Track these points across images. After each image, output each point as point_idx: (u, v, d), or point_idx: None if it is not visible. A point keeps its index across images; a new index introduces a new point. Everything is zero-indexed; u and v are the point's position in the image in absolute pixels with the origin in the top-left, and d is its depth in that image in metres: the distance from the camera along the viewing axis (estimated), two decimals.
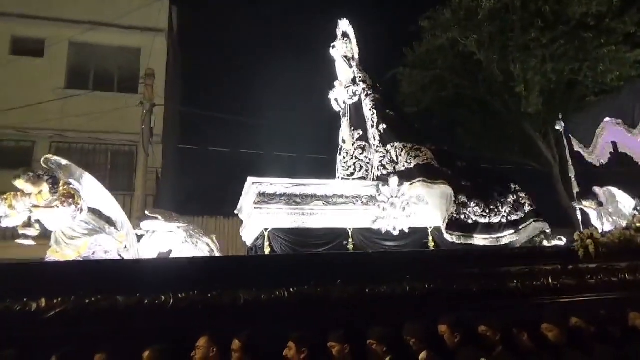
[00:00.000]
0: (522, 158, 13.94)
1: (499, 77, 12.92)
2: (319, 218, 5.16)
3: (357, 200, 5.26)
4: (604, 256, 4.36)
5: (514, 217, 5.35)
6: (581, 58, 11.89)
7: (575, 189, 6.50)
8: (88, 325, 3.26)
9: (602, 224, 5.83)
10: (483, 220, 5.23)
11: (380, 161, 5.58)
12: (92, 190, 4.24)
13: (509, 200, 5.40)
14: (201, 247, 4.63)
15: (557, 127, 6.96)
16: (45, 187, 3.96)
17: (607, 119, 6.24)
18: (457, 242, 5.11)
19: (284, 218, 5.07)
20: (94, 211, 4.23)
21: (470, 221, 5.19)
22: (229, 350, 3.18)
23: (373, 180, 5.55)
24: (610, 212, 5.87)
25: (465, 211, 5.21)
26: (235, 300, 3.53)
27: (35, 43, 12.08)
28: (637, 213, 5.43)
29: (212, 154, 12.10)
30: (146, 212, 4.76)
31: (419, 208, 5.32)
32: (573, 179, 6.62)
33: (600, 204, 6.07)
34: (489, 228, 5.22)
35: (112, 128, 11.32)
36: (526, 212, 5.39)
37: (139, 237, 4.55)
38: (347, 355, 3.30)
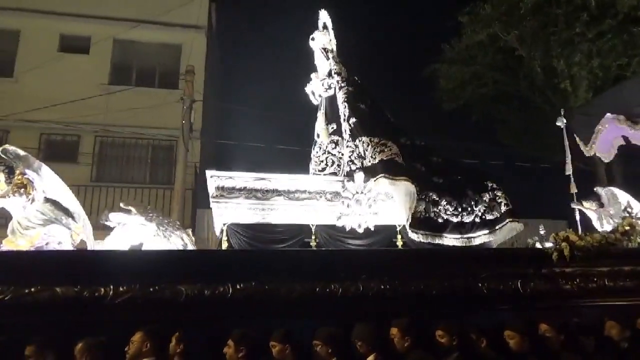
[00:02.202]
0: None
1: (541, 73, 12.55)
2: (280, 214, 5.01)
3: (321, 196, 5.10)
4: (580, 260, 4.09)
5: (489, 217, 5.07)
6: (630, 53, 11.42)
7: (574, 190, 6.22)
8: (23, 316, 3.25)
9: (602, 226, 5.57)
10: (454, 219, 4.98)
11: (350, 156, 5.40)
12: (50, 181, 4.21)
13: (484, 198, 5.13)
14: (174, 240, 4.57)
15: (558, 124, 6.65)
16: (1, 176, 3.98)
17: (608, 114, 5.95)
18: (425, 241, 4.86)
19: (243, 213, 4.95)
20: (53, 202, 4.18)
21: (440, 220, 4.94)
22: (166, 346, 3.13)
23: (344, 175, 5.39)
24: (611, 213, 5.59)
25: (435, 209, 4.97)
26: (176, 296, 3.44)
27: (81, 40, 12.50)
28: (627, 215, 5.18)
29: (249, 148, 12.23)
30: (121, 205, 4.68)
31: (386, 205, 5.13)
32: (572, 179, 6.33)
33: (601, 205, 5.81)
34: (461, 227, 4.97)
35: (153, 123, 11.58)
36: (502, 211, 5.10)
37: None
38: (288, 355, 3.19)
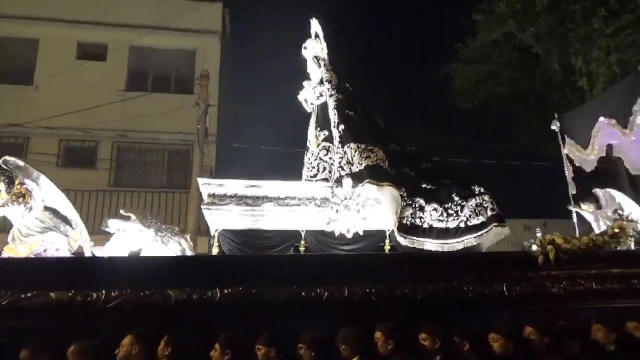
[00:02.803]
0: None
1: (559, 70, 12.37)
2: (270, 219, 5.09)
3: (311, 202, 5.18)
4: (567, 263, 4.06)
5: (474, 222, 5.05)
6: None
7: (572, 191, 6.09)
8: (20, 320, 3.36)
9: (600, 228, 5.46)
10: (440, 225, 4.99)
11: (339, 162, 5.45)
12: (48, 190, 4.37)
13: (471, 203, 5.12)
14: (172, 246, 4.68)
15: (553, 127, 6.53)
16: (2, 186, 4.15)
17: (601, 118, 5.91)
18: (411, 246, 4.88)
19: (234, 219, 5.04)
20: (52, 210, 4.34)
21: (425, 225, 4.96)
22: (155, 349, 3.21)
23: (334, 181, 5.45)
24: (609, 215, 5.47)
25: (421, 214, 5.00)
26: (165, 300, 3.53)
27: (98, 48, 12.72)
28: (617, 217, 5.07)
29: (264, 152, 12.30)
30: (121, 211, 4.82)
31: (375, 210, 5.19)
32: (569, 180, 6.20)
33: (599, 207, 5.70)
34: (446, 233, 4.98)
35: (169, 128, 11.72)
36: (488, 216, 5.07)
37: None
38: (273, 358, 3.25)
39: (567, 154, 6.44)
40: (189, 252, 4.78)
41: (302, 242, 5.03)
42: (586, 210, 5.79)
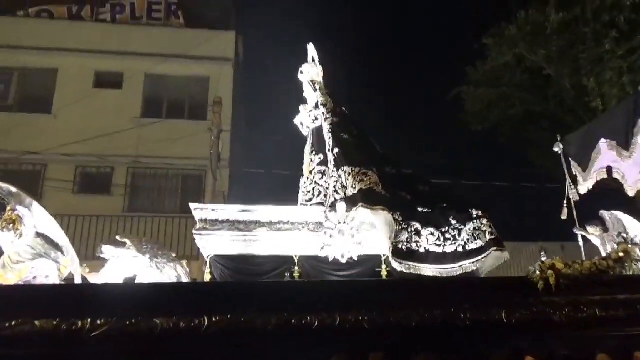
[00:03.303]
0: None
1: (571, 92, 12.33)
2: (263, 245, 4.99)
3: (304, 227, 5.06)
4: (569, 289, 3.88)
5: (472, 246, 4.89)
6: None
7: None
8: (4, 349, 3.29)
9: (606, 252, 5.23)
10: (437, 250, 4.85)
11: (334, 186, 5.38)
12: (41, 217, 4.33)
13: (468, 227, 4.98)
14: (167, 272, 4.62)
15: (556, 149, 6.42)
16: None
17: (602, 140, 5.78)
18: (407, 271, 4.72)
19: (226, 245, 4.96)
20: (44, 237, 4.28)
21: (422, 250, 4.82)
22: None
23: (329, 206, 5.38)
24: (616, 238, 5.25)
25: (417, 239, 4.86)
26: (152, 329, 3.42)
27: (114, 76, 13.03)
28: (622, 240, 4.90)
29: (276, 176, 12.37)
30: (116, 237, 4.76)
31: (371, 235, 5.06)
32: (573, 203, 6.06)
33: (606, 230, 5.47)
34: (443, 258, 4.84)
35: (183, 154, 11.86)
36: (487, 240, 4.91)
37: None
38: None
39: (570, 177, 6.33)
40: (185, 279, 4.71)
41: (296, 267, 4.93)
42: (592, 234, 5.66)
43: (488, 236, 4.91)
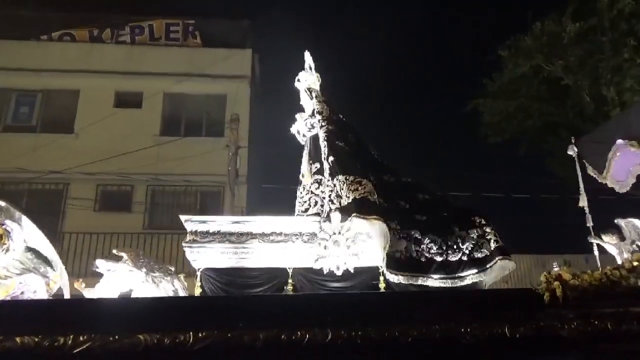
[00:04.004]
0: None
1: (591, 101, 12.17)
2: (255, 257, 4.82)
3: (298, 238, 4.87)
4: (577, 301, 3.68)
5: (477, 255, 4.70)
6: None
7: (589, 223, 5.76)
8: None
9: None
10: (439, 258, 4.67)
11: (329, 195, 5.21)
12: (30, 231, 4.30)
13: (472, 235, 4.80)
14: (164, 286, 4.55)
15: (570, 152, 6.26)
16: None
17: (619, 140, 5.63)
18: (406, 283, 4.54)
19: (217, 257, 4.81)
20: (34, 251, 4.26)
21: (423, 259, 4.64)
22: None
23: (326, 216, 5.22)
24: (632, 247, 5.07)
25: (417, 248, 4.69)
26: (135, 345, 3.32)
27: (134, 96, 13.31)
28: (637, 249, 4.71)
29: (293, 192, 12.40)
30: (114, 251, 4.71)
31: (367, 246, 4.86)
32: (586, 210, 5.87)
33: (622, 238, 5.26)
34: (446, 266, 4.64)
35: (201, 170, 11.98)
36: (492, 249, 4.72)
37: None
38: None
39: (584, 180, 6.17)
40: (182, 293, 4.64)
41: (290, 280, 4.77)
42: (608, 242, 5.47)
43: (493, 244, 4.75)
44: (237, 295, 4.56)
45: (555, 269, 4.16)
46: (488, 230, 4.84)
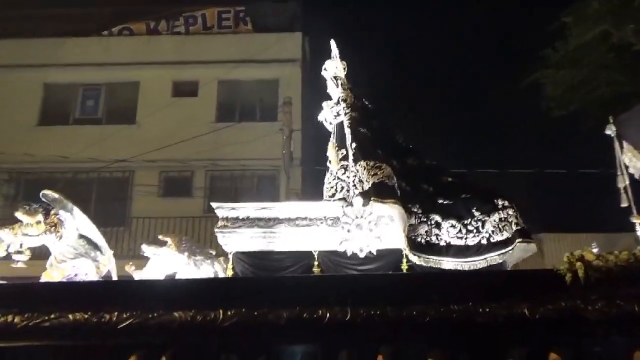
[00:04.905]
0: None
1: None
2: (283, 241, 5.04)
3: (322, 222, 5.08)
4: (602, 282, 3.56)
5: (498, 238, 4.73)
6: None
7: (624, 203, 5.31)
8: (40, 340, 3.63)
9: None
10: (458, 242, 4.74)
11: (353, 181, 5.39)
12: (82, 220, 4.76)
13: (493, 218, 4.82)
14: (204, 268, 4.94)
15: (608, 132, 5.75)
16: (40, 217, 4.57)
17: None
18: (427, 265, 4.65)
19: (247, 241, 5.05)
20: (85, 238, 4.76)
21: (442, 243, 4.74)
22: None
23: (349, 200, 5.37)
24: None
25: (437, 232, 4.80)
26: (170, 322, 3.64)
27: (190, 85, 13.69)
28: None
29: None
30: (159, 236, 5.15)
31: (390, 229, 4.97)
32: (622, 191, 5.40)
33: None
34: (465, 250, 4.71)
35: (256, 155, 12.23)
36: (513, 231, 4.72)
37: None
38: None
39: (623, 161, 5.72)
40: (221, 274, 5.01)
41: (315, 262, 4.99)
42: None
43: (514, 227, 4.77)
44: (262, 277, 4.84)
45: (595, 250, 3.99)
46: (510, 212, 4.87)
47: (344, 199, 5.48)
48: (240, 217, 5.13)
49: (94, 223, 4.97)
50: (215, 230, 5.14)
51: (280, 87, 13.33)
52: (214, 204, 5.31)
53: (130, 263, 5.08)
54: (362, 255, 4.88)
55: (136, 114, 13.49)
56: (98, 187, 12.65)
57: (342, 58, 6.36)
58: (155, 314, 3.73)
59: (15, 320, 3.71)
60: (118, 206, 12.35)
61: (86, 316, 3.75)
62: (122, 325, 3.71)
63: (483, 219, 4.86)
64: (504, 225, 4.80)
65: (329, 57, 6.44)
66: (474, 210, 4.91)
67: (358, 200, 5.06)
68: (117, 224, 11.45)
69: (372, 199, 4.92)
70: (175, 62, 13.68)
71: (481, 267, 4.64)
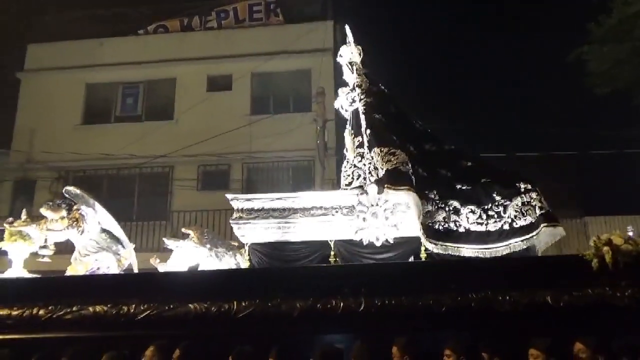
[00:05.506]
0: None
1: None
2: (298, 231, 4.98)
3: (337, 211, 4.98)
4: (628, 268, 3.32)
5: (521, 223, 4.50)
6: None
7: None
8: (63, 332, 3.73)
9: None
10: (479, 228, 4.53)
11: (369, 168, 5.22)
12: (103, 215, 4.86)
13: (516, 202, 4.58)
14: (226, 260, 4.96)
15: None
16: (64, 213, 4.69)
17: None
18: (445, 253, 4.46)
19: (263, 232, 5.02)
20: (107, 232, 4.86)
21: (461, 229, 4.54)
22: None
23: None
24: None
25: (456, 218, 4.61)
26: (186, 313, 3.69)
27: (224, 79, 13.88)
28: None
29: None
30: (182, 230, 5.21)
31: (406, 217, 4.80)
32: None
33: None
34: (486, 237, 4.50)
35: (291, 146, 12.31)
36: (537, 216, 4.46)
37: None
38: None
39: None
40: (243, 266, 5.04)
41: (332, 252, 4.94)
42: None
43: (538, 211, 4.54)
44: (276, 268, 4.85)
45: (630, 233, 3.78)
46: (534, 196, 4.64)
47: (361, 186, 5.39)
48: (255, 208, 5.14)
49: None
50: (231, 221, 5.17)
51: (313, 77, 13.30)
52: (228, 196, 5.36)
53: (155, 256, 5.28)
54: (378, 244, 4.80)
55: (174, 109, 13.80)
56: (140, 182, 13.08)
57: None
58: (172, 306, 3.83)
59: (40, 312, 3.87)
60: (159, 201, 12.73)
61: (106, 308, 3.88)
62: (140, 317, 3.83)
63: (505, 204, 4.67)
64: (527, 210, 4.60)
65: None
66: (494, 195, 4.72)
67: (373, 188, 4.96)
68: (159, 217, 11.82)
69: (385, 186, 4.81)
70: (209, 57, 13.88)
71: (504, 253, 4.48)
